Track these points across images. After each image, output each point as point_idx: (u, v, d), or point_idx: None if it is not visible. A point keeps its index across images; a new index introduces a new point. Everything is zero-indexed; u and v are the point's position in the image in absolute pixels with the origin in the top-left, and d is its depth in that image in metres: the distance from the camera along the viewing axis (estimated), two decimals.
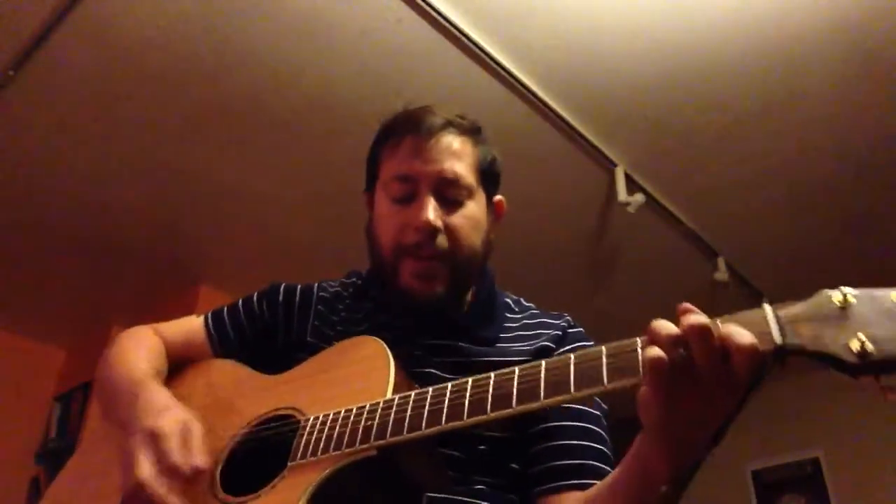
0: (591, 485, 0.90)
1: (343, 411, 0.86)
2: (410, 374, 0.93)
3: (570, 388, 0.71)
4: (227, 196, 2.87)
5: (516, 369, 0.77)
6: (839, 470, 3.75)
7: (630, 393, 0.68)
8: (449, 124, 1.07)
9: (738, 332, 0.62)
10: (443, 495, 0.91)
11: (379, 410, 0.83)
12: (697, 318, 0.64)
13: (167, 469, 0.85)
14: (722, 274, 3.18)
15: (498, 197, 1.16)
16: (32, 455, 3.52)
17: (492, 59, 2.32)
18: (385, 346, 0.93)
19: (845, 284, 0.64)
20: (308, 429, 0.88)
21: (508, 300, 1.16)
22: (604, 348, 0.72)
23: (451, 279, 1.03)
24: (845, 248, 3.10)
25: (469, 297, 1.11)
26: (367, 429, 0.82)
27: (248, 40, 2.26)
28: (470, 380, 0.80)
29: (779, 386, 4.07)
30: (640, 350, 0.68)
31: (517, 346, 1.05)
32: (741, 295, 3.36)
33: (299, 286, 1.19)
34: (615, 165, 2.76)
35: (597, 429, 0.99)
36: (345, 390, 0.91)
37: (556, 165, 2.76)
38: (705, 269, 3.21)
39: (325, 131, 2.57)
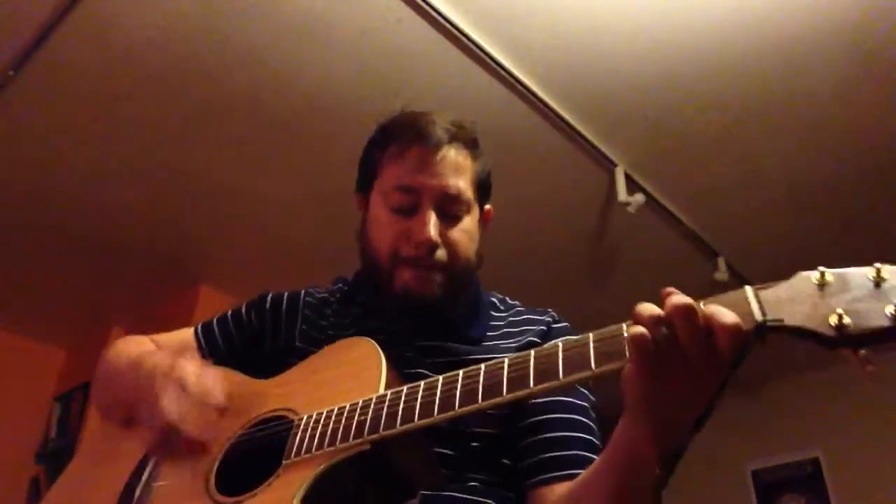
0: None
1: (336, 409, 0.87)
2: (401, 374, 0.94)
3: (558, 375, 0.72)
4: (227, 196, 2.88)
5: (506, 359, 0.78)
6: (839, 470, 3.75)
7: (617, 379, 0.69)
8: (454, 138, 1.08)
9: (721, 312, 0.64)
10: (437, 493, 0.92)
11: (372, 406, 0.84)
12: (680, 297, 0.65)
13: (194, 410, 0.91)
14: (722, 274, 3.18)
15: (487, 206, 1.18)
16: (32, 455, 3.53)
17: (492, 59, 2.33)
18: (376, 345, 0.94)
19: None
20: (302, 427, 0.89)
21: (494, 299, 1.17)
22: (591, 335, 0.73)
23: (447, 286, 1.05)
24: (845, 248, 3.09)
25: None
26: (360, 424, 0.83)
27: (248, 40, 2.26)
28: (461, 372, 0.81)
29: (779, 386, 4.08)
30: (625, 333, 0.69)
31: (504, 342, 1.06)
32: None
33: (286, 293, 1.21)
34: (615, 165, 2.76)
35: (585, 419, 1.00)
36: (337, 390, 0.91)
37: (556, 165, 2.77)
38: (705, 269, 3.21)
39: (325, 131, 2.57)
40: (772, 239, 3.15)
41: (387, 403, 0.83)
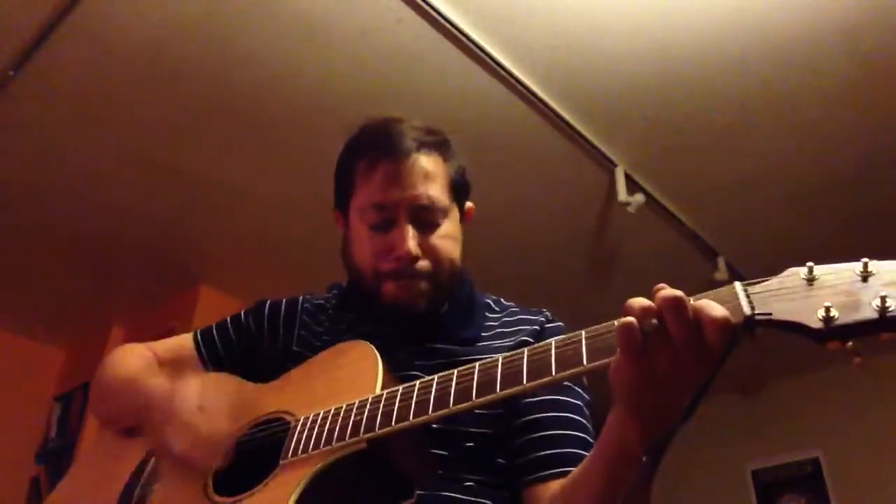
0: None
1: (333, 409, 0.88)
2: (397, 377, 0.94)
3: (551, 371, 0.73)
4: (227, 196, 2.88)
5: (500, 357, 0.79)
6: (839, 470, 3.75)
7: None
8: (421, 145, 1.07)
9: (710, 305, 0.65)
10: (434, 493, 0.92)
11: (368, 405, 0.85)
12: (670, 291, 0.66)
13: (199, 439, 0.91)
14: (722, 274, 3.18)
15: (469, 204, 1.17)
16: (32, 455, 3.53)
17: (492, 59, 2.33)
18: (372, 347, 0.94)
19: None
20: (299, 428, 0.89)
21: (488, 300, 1.17)
22: (583, 332, 0.74)
23: (432, 294, 1.06)
24: (845, 248, 3.08)
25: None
26: (357, 423, 0.84)
27: (248, 40, 2.26)
28: (455, 371, 0.81)
29: (779, 386, 4.08)
30: None
31: (498, 343, 1.06)
32: None
33: (284, 300, 1.22)
34: (615, 165, 2.76)
35: (579, 418, 1.01)
36: (335, 391, 0.92)
37: (556, 165, 2.77)
38: (705, 269, 3.21)
39: (326, 131, 2.57)
40: (772, 239, 3.14)
41: (382, 403, 0.84)
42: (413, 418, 0.80)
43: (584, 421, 1.01)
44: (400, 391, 0.84)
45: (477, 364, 0.80)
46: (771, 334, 0.66)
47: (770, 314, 0.65)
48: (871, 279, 0.62)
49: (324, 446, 0.84)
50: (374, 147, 1.08)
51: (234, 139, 2.63)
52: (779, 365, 3.80)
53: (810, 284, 0.65)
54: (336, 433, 0.84)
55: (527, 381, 0.74)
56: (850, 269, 0.64)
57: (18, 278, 3.29)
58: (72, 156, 2.66)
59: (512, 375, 0.76)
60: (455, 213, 1.11)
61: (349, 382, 0.92)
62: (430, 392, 0.81)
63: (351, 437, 0.83)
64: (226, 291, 3.34)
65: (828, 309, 0.61)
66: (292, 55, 2.32)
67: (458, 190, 1.12)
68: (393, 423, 0.81)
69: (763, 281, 0.68)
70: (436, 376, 0.82)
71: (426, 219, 1.05)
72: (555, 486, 0.92)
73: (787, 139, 2.67)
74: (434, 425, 0.94)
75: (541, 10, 2.20)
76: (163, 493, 0.97)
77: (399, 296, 1.04)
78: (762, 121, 2.59)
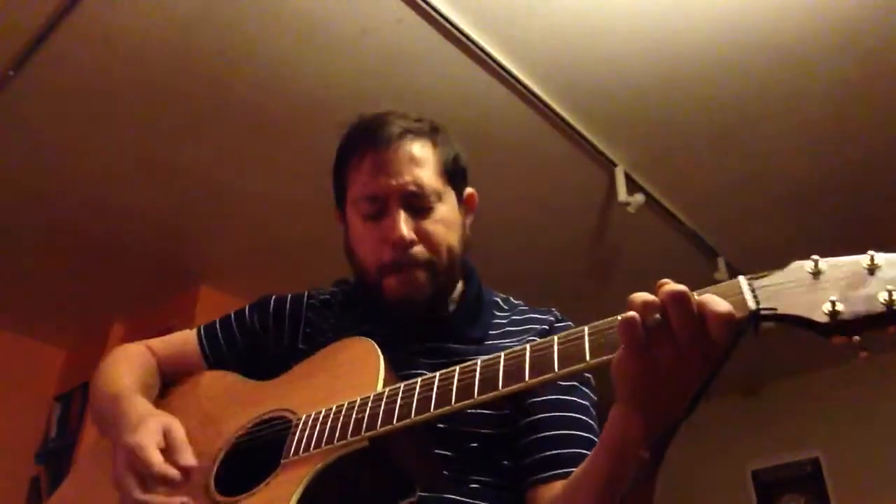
0: None
1: (334, 407, 0.87)
2: (401, 376, 0.94)
3: (553, 367, 0.72)
4: (227, 196, 2.87)
5: (502, 354, 0.78)
6: (839, 470, 3.75)
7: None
8: (406, 132, 1.06)
9: (714, 300, 0.64)
10: (437, 496, 0.91)
11: (370, 403, 0.84)
12: (674, 285, 0.65)
13: (159, 479, 0.87)
14: (722, 274, 3.18)
15: (469, 190, 1.15)
16: (32, 455, 3.53)
17: (492, 59, 2.32)
18: (374, 344, 0.94)
19: None
20: (301, 426, 0.89)
21: (497, 299, 1.16)
22: (586, 328, 0.73)
23: (433, 284, 1.04)
24: (845, 249, 3.09)
25: (456, 296, 1.12)
26: (358, 421, 0.83)
27: (248, 40, 2.26)
28: (457, 368, 0.81)
29: (779, 386, 4.08)
30: None
31: (505, 342, 1.05)
32: None
33: (289, 296, 1.20)
34: (615, 165, 2.76)
35: (585, 418, 1.00)
36: (336, 389, 0.91)
37: (557, 165, 2.77)
38: (705, 269, 3.21)
39: (325, 131, 2.56)
40: (772, 239, 3.14)
41: (384, 400, 0.83)
42: (415, 416, 0.79)
43: (591, 421, 1.00)
44: (402, 389, 0.83)
45: (479, 360, 0.80)
46: (773, 331, 0.65)
47: (775, 308, 0.64)
48: (877, 272, 0.61)
49: (325, 445, 0.84)
50: (363, 140, 1.08)
51: (234, 139, 2.63)
52: (779, 365, 3.80)
53: (816, 278, 0.64)
54: (337, 431, 0.84)
55: (529, 378, 0.74)
56: (856, 263, 0.63)
57: (19, 278, 3.29)
58: (72, 155, 2.65)
59: (514, 372, 0.75)
60: (451, 198, 1.09)
61: (351, 380, 0.91)
62: (433, 389, 0.80)
63: (352, 435, 0.82)
64: (226, 291, 3.34)
65: (834, 303, 0.60)
66: (292, 55, 2.32)
67: (453, 175, 1.10)
68: (395, 421, 0.80)
69: (768, 274, 0.67)
70: (438, 373, 0.82)
71: (418, 204, 1.04)
72: (559, 486, 0.91)
73: (787, 139, 2.67)
74: (439, 425, 0.94)
75: (541, 10, 2.20)
76: (164, 492, 0.96)
77: (400, 290, 1.03)
78: (762, 121, 2.59)
